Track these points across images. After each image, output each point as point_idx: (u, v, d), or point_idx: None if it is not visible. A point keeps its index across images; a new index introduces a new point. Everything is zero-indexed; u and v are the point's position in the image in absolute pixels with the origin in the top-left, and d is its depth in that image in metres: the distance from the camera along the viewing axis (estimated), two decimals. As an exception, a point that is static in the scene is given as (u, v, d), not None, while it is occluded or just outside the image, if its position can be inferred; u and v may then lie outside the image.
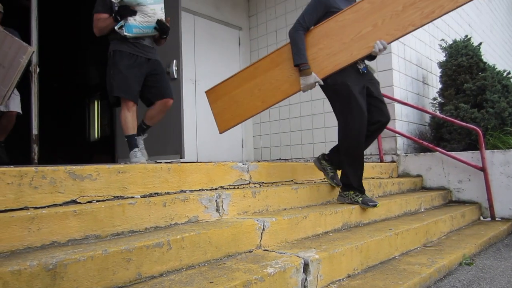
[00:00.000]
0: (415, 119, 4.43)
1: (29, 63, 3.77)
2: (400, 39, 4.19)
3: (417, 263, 2.02)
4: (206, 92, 2.83)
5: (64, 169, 1.62)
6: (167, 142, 3.43)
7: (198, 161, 4.54)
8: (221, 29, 5.17)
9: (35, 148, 3.56)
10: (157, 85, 2.69)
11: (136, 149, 2.61)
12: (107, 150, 6.48)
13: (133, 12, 2.49)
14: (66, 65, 7.96)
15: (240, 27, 5.48)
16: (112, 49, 2.60)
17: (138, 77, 2.59)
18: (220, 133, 2.80)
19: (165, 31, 2.65)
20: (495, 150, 3.57)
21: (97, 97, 8.81)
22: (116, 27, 2.50)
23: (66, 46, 7.72)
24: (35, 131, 3.56)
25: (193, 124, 4.61)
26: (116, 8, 2.51)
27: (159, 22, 2.57)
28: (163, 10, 2.63)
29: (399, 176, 4.02)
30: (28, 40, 3.70)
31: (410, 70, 4.42)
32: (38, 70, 3.70)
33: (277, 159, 5.17)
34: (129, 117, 2.58)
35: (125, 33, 2.50)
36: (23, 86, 3.50)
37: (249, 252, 1.75)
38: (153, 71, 2.67)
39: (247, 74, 2.63)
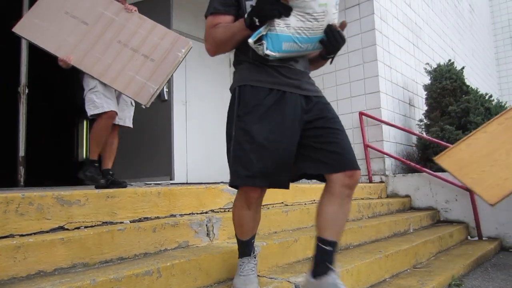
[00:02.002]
0: (403, 140, 4.51)
1: (18, 83, 3.76)
2: (386, 63, 4.36)
3: (407, 286, 2.02)
4: (438, 159, 2.38)
5: (52, 194, 1.60)
6: (157, 164, 3.40)
7: (188, 182, 4.51)
8: (212, 51, 5.24)
9: (21, 170, 3.51)
10: (331, 143, 1.39)
11: (247, 261, 1.54)
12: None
13: (285, 10, 1.26)
14: (55, 84, 7.93)
15: (230, 49, 5.56)
16: (236, 85, 1.44)
17: (285, 132, 1.37)
18: (493, 205, 2.32)
19: (337, 46, 1.36)
20: (480, 171, 3.64)
21: (86, 117, 8.74)
22: (250, 40, 1.29)
23: (55, 65, 7.70)
24: (21, 152, 3.52)
25: (183, 145, 4.61)
26: (251, 4, 1.34)
27: (330, 29, 1.32)
28: (338, 7, 1.36)
29: (388, 196, 4.06)
30: (17, 59, 3.70)
31: (397, 93, 4.54)
32: (27, 91, 3.69)
33: (267, 180, 5.16)
34: (246, 217, 1.47)
35: (267, 51, 1.29)
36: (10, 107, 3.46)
37: (240, 278, 1.73)
38: (317, 116, 1.42)
39: (495, 127, 2.27)
